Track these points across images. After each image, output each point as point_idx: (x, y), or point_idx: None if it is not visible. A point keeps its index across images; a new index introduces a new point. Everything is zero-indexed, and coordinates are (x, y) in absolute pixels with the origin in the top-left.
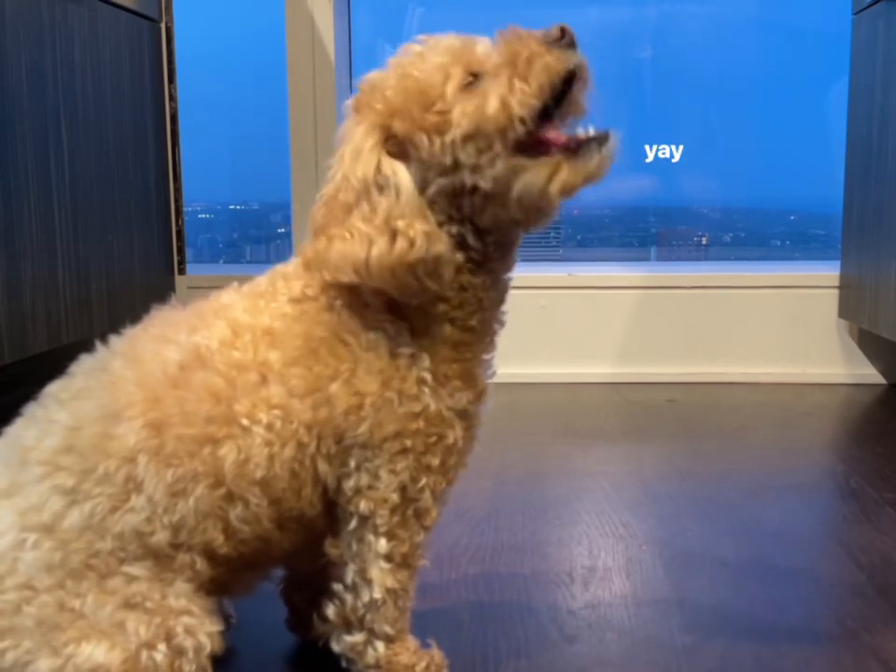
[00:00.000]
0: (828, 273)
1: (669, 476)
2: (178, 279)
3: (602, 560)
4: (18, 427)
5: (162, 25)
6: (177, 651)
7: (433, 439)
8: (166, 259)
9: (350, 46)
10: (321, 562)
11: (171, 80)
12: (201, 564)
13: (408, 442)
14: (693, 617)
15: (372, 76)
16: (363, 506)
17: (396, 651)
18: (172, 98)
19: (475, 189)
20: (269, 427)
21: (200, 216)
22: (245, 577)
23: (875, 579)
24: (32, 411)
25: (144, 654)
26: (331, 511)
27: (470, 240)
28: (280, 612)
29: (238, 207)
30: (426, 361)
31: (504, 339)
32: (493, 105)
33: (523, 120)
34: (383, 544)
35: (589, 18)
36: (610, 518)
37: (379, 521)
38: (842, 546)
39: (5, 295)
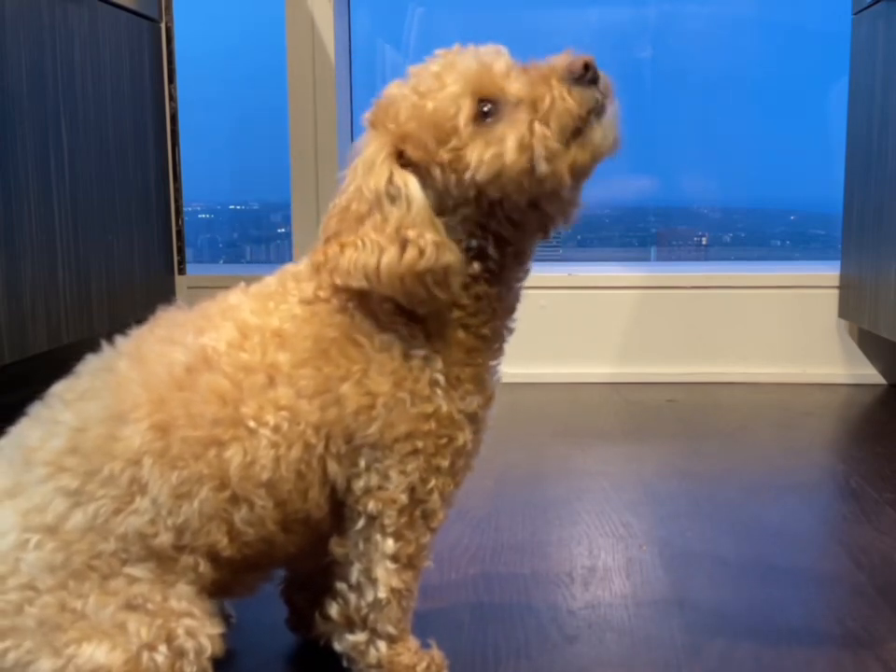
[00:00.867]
0: (828, 273)
1: (669, 476)
2: (178, 279)
3: (602, 560)
4: (22, 427)
5: (162, 25)
6: (178, 653)
7: (444, 440)
8: (166, 259)
9: (350, 46)
10: (323, 562)
11: (171, 80)
12: (204, 566)
13: (419, 443)
14: (693, 617)
15: (390, 90)
16: (371, 506)
17: (398, 651)
18: (172, 98)
19: (500, 204)
20: (275, 428)
21: (200, 216)
22: (248, 578)
23: (875, 579)
24: (37, 411)
25: (145, 655)
26: (338, 512)
27: (490, 251)
28: (280, 612)
29: (238, 207)
30: (439, 363)
31: None
32: (511, 152)
33: (547, 159)
34: (390, 544)
35: (589, 18)
36: (610, 518)
37: (387, 521)
38: (842, 546)
39: (5, 295)
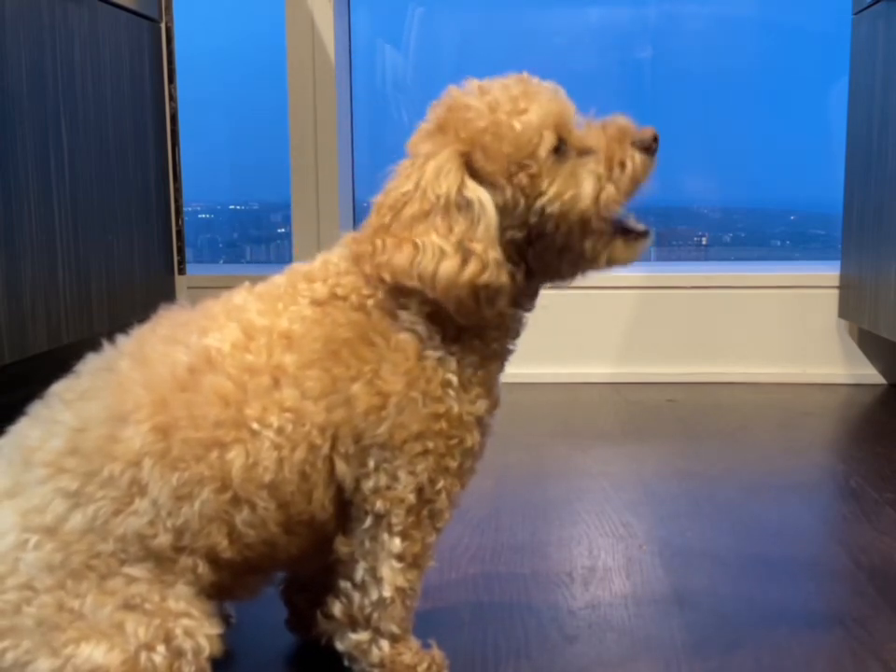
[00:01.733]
0: (828, 273)
1: (669, 476)
2: (178, 279)
3: (602, 560)
4: (22, 427)
5: (162, 25)
6: (176, 653)
7: (454, 441)
8: (166, 259)
9: (350, 46)
10: (326, 562)
11: (171, 80)
12: (203, 567)
13: (429, 444)
14: (693, 617)
15: (458, 96)
16: (379, 505)
17: (399, 651)
18: (172, 98)
19: (542, 236)
20: (279, 430)
21: (200, 216)
22: (249, 580)
23: (875, 579)
24: (36, 410)
25: (143, 656)
26: (343, 513)
27: (519, 278)
28: (280, 613)
29: (238, 207)
30: (452, 365)
31: None
32: (587, 198)
33: (608, 215)
34: (396, 543)
35: (589, 18)
36: (610, 518)
37: (394, 520)
38: (842, 546)
39: (5, 295)
